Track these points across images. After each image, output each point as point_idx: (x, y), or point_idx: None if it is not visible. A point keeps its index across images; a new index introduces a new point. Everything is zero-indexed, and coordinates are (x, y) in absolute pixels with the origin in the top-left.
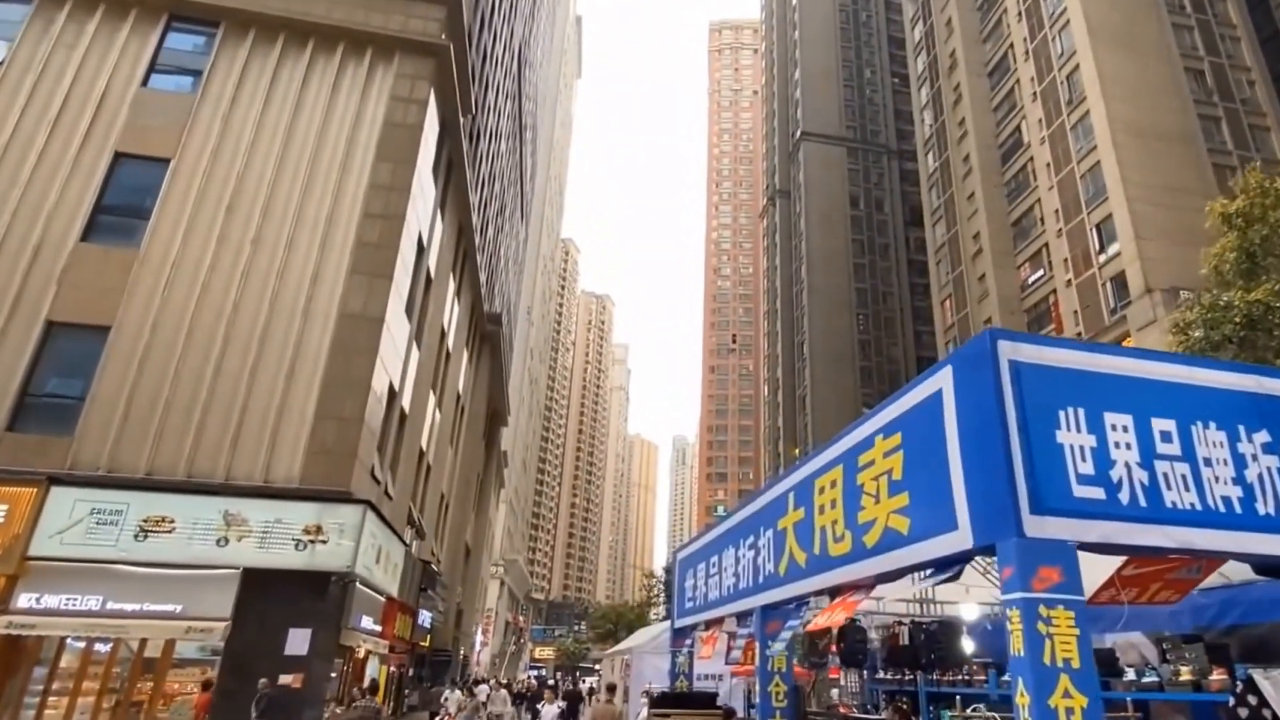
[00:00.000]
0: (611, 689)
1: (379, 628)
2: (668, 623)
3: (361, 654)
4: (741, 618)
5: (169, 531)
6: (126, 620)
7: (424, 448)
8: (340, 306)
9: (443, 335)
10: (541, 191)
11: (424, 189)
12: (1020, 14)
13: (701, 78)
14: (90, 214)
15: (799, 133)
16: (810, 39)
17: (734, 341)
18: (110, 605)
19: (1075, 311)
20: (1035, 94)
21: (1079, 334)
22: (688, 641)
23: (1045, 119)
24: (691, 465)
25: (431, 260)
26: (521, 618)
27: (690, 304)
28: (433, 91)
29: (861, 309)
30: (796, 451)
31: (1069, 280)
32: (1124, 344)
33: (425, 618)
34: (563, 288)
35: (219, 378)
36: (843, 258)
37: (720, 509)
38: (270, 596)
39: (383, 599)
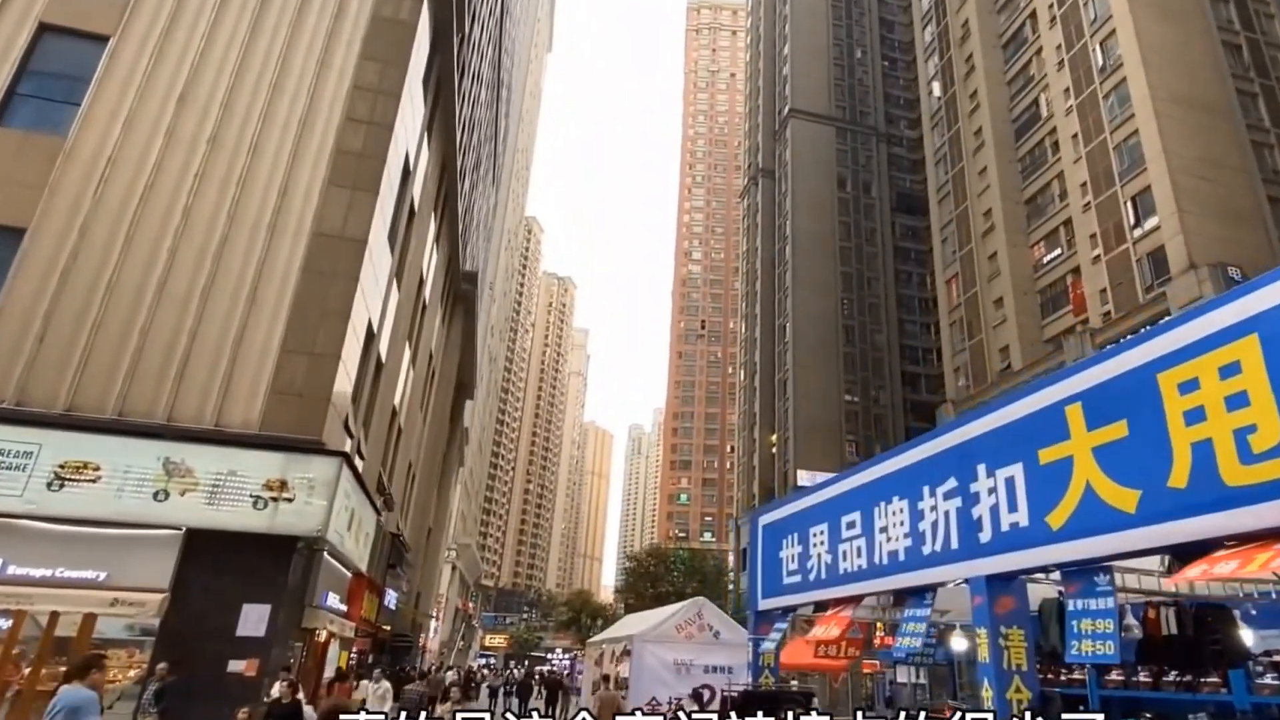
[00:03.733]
0: (605, 680)
1: (345, 607)
2: (674, 607)
3: (323, 637)
4: (900, 596)
5: (93, 481)
6: (32, 589)
7: (396, 407)
8: (315, 222)
9: (421, 282)
10: (509, 162)
11: (414, 100)
12: None
13: (677, 58)
14: (4, 94)
15: (787, 109)
16: (800, 16)
17: (703, 327)
18: (11, 570)
19: (1103, 290)
20: (1062, 62)
21: (1107, 313)
22: (778, 627)
23: (1074, 88)
24: (647, 455)
25: (416, 189)
26: (471, 604)
27: (653, 292)
28: None
29: (846, 293)
30: (774, 439)
31: (1096, 256)
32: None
33: (391, 598)
34: (524, 267)
35: (163, 298)
36: (829, 240)
37: (684, 497)
38: (220, 565)
39: (349, 574)
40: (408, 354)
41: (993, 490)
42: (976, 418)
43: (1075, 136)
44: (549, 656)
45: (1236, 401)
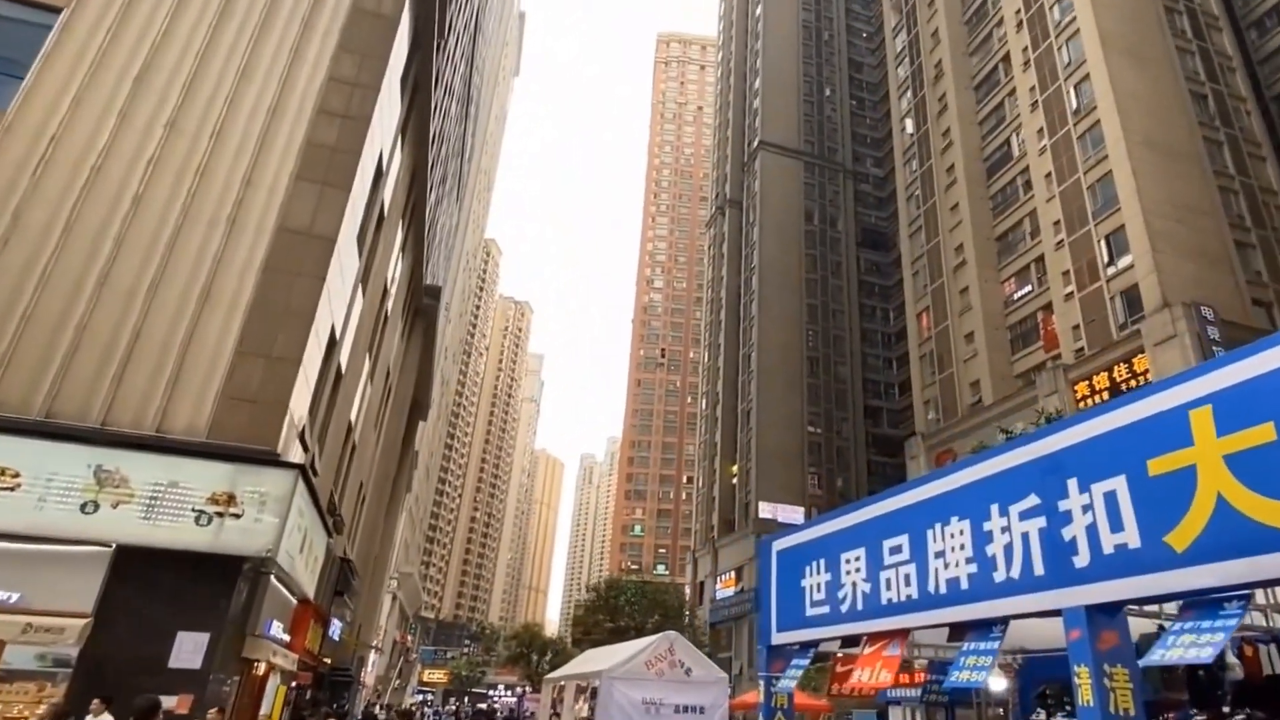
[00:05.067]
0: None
1: (288, 637)
2: (643, 641)
3: (262, 670)
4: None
5: (10, 489)
6: None
7: (352, 422)
8: (280, 217)
9: (385, 291)
10: (472, 182)
11: (391, 98)
12: (1020, 23)
13: (644, 88)
14: None
15: (757, 141)
16: (772, 51)
17: (663, 356)
18: None
19: (1076, 326)
20: (1036, 103)
21: (1080, 349)
22: (796, 664)
23: (1048, 129)
24: (598, 485)
25: (387, 192)
26: (410, 637)
27: (611, 320)
28: None
29: (811, 325)
30: (735, 469)
31: (1069, 293)
32: (1136, 360)
33: (335, 628)
34: (481, 289)
35: (104, 290)
36: (795, 271)
37: (638, 528)
38: (154, 587)
39: (295, 600)
40: (367, 366)
41: (1088, 508)
42: (1061, 429)
43: (1048, 176)
44: (491, 693)
45: None
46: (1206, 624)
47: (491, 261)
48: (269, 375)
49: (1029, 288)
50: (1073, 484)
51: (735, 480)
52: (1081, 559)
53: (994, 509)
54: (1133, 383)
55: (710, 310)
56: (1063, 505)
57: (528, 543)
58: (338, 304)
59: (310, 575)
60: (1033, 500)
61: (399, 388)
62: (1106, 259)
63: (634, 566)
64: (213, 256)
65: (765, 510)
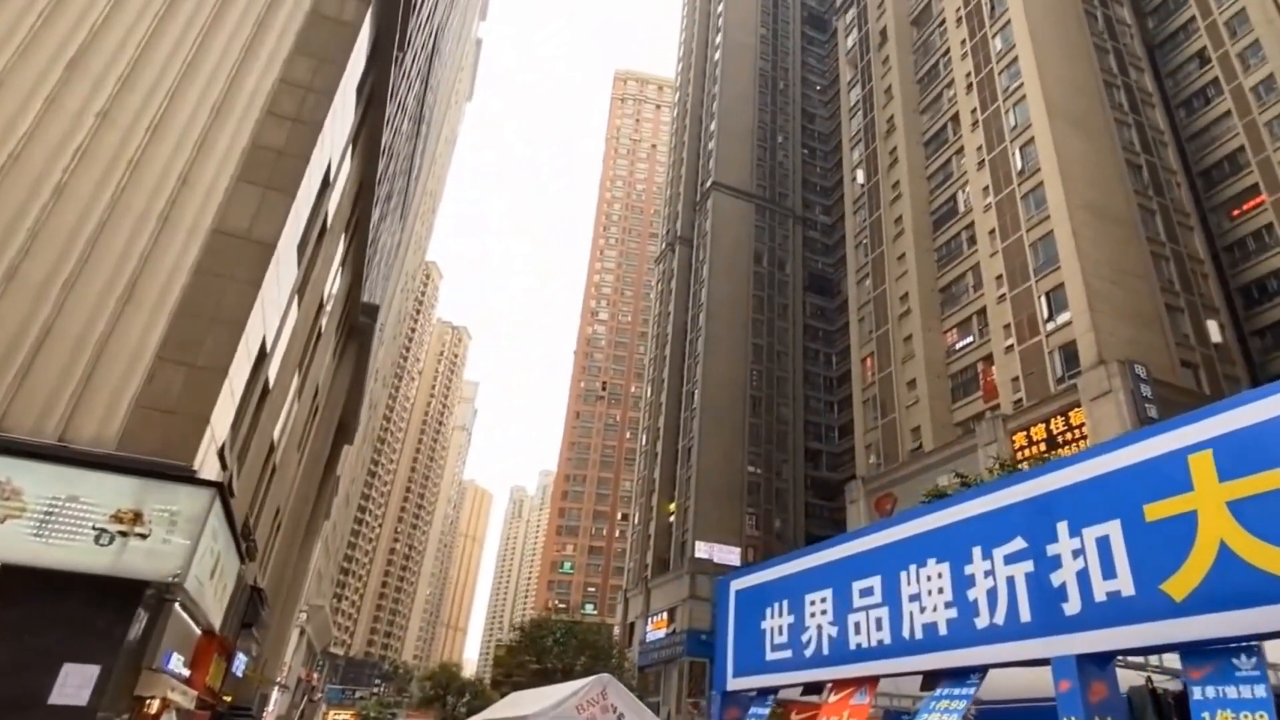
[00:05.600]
0: None
1: (188, 671)
2: (574, 684)
3: (155, 708)
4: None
5: None
6: None
7: (275, 441)
8: (217, 219)
9: (321, 305)
10: (416, 203)
11: (346, 106)
12: (971, 86)
13: (599, 123)
14: None
15: (710, 182)
16: (729, 97)
17: (603, 389)
18: None
19: (1015, 378)
20: (982, 162)
21: (1019, 400)
22: (755, 712)
23: (993, 187)
24: (528, 519)
25: (332, 203)
26: (316, 674)
27: (553, 351)
28: None
29: (756, 364)
30: (673, 507)
31: (1010, 346)
32: (1072, 413)
33: (240, 662)
34: (418, 311)
35: (13, 284)
36: (743, 310)
37: (567, 565)
38: (40, 612)
39: (200, 631)
40: (296, 383)
41: (1079, 552)
42: (1051, 470)
43: (992, 232)
44: None
45: None
46: (1228, 680)
47: (431, 284)
48: (191, 385)
49: (971, 339)
50: (1063, 527)
51: (672, 518)
52: (1072, 606)
53: (976, 551)
54: (1069, 435)
55: (655, 345)
56: (1051, 549)
57: (449, 578)
58: (271, 314)
59: (218, 604)
60: (1019, 543)
61: (326, 408)
62: (1046, 315)
63: (561, 605)
64: (139, 254)
65: (702, 550)
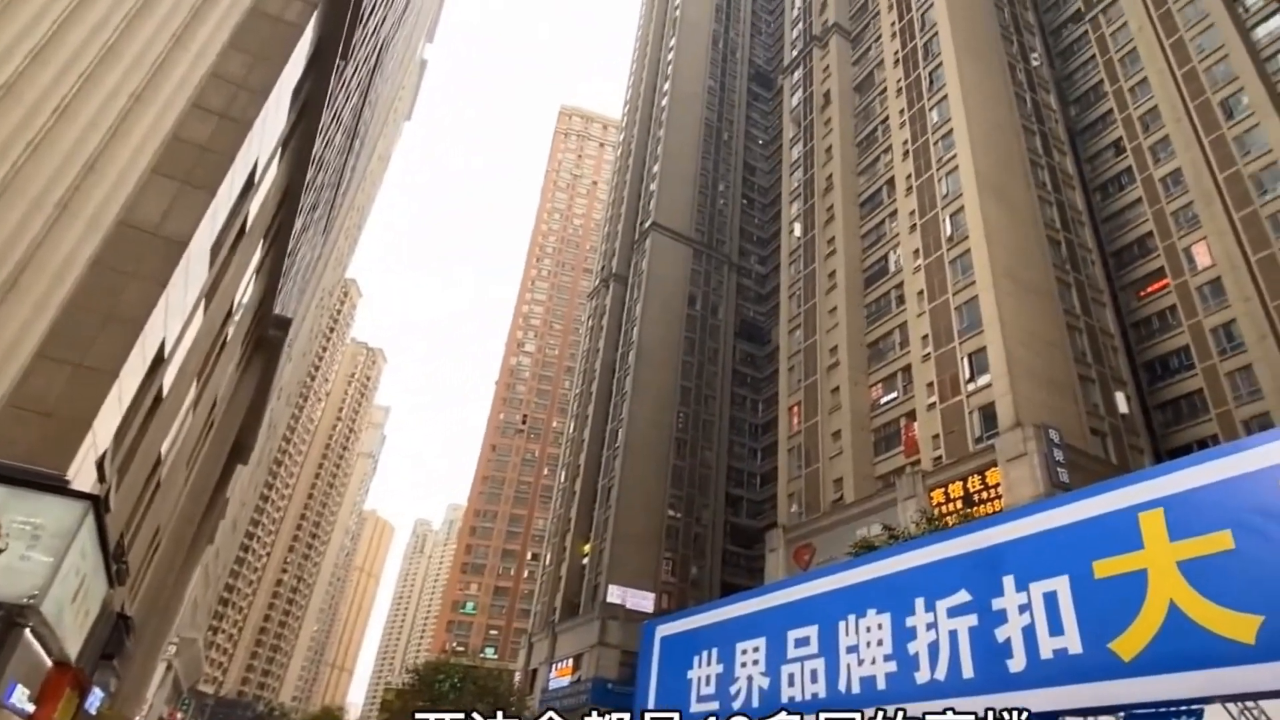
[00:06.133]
0: None
1: (33, 707)
2: None
3: None
4: None
5: None
6: None
7: (162, 455)
8: (125, 211)
9: (230, 313)
10: (342, 217)
11: (279, 109)
12: (907, 153)
13: (539, 156)
14: None
15: (650, 222)
16: (673, 142)
17: (524, 422)
18: None
19: (936, 435)
20: (915, 226)
21: (938, 458)
22: None
23: (923, 250)
24: (430, 555)
25: (253, 206)
26: (181, 714)
27: (472, 381)
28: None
29: (683, 407)
30: (588, 548)
31: (932, 404)
32: (989, 473)
33: (95, 698)
34: (332, 330)
35: None
36: (673, 352)
37: (470, 606)
38: None
39: (51, 662)
40: (192, 394)
41: (1025, 607)
42: (999, 522)
43: (921, 293)
44: None
45: None
46: None
47: (349, 302)
48: (74, 386)
49: (895, 394)
50: (1009, 581)
51: (586, 560)
52: (1016, 663)
53: (919, 603)
54: (985, 495)
55: (582, 380)
56: (997, 604)
57: (339, 614)
58: (174, 317)
59: (78, 631)
60: (963, 596)
61: (223, 424)
62: (968, 375)
63: (460, 648)
64: (30, 241)
65: (615, 594)
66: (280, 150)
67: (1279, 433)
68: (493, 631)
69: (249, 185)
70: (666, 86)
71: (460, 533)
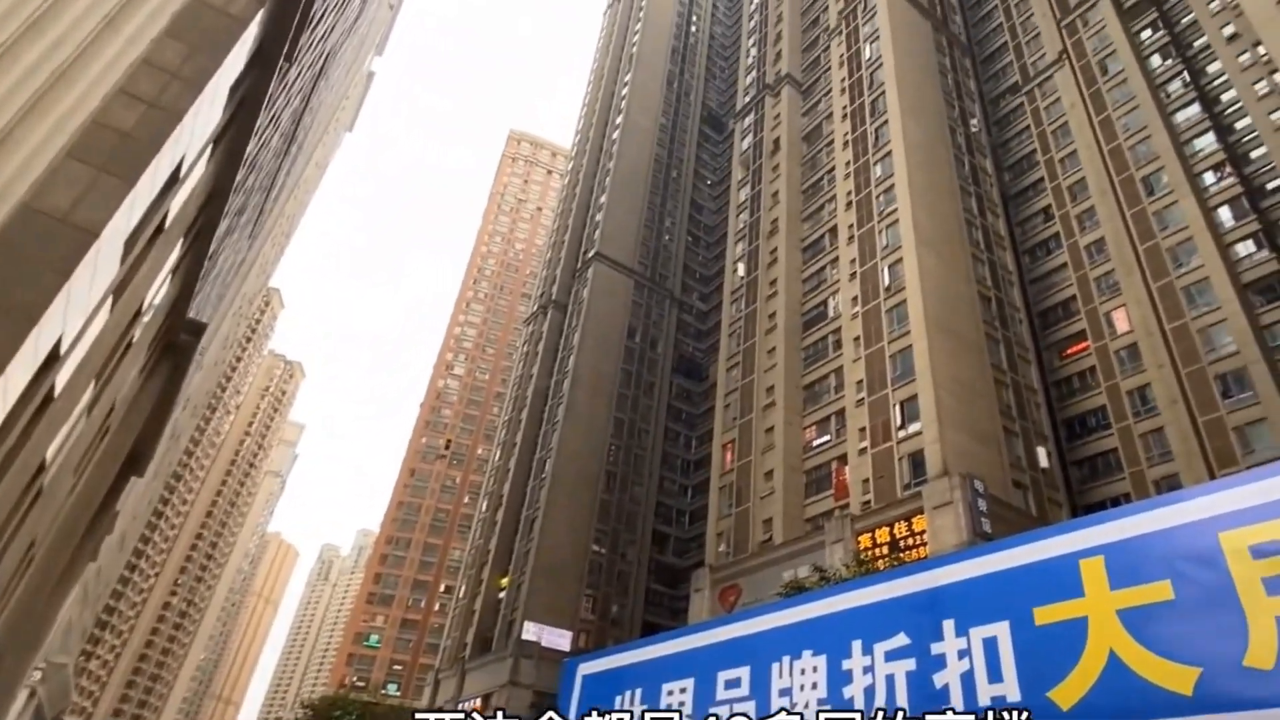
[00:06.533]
0: None
1: None
2: None
3: None
4: None
5: None
6: None
7: (47, 461)
8: (31, 194)
9: (139, 313)
10: (271, 223)
11: (214, 104)
12: (850, 204)
13: (483, 179)
14: None
15: (594, 251)
16: (622, 174)
17: (447, 447)
18: None
19: (866, 480)
20: (854, 274)
21: (867, 502)
22: None
23: (861, 298)
24: (336, 583)
25: (176, 202)
26: None
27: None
28: None
29: (616, 439)
30: (505, 581)
31: (863, 449)
32: (915, 519)
33: None
34: (249, 339)
35: None
36: (609, 383)
37: (374, 638)
38: None
39: None
40: (88, 396)
41: (965, 653)
42: (940, 565)
43: (857, 339)
44: None
45: None
46: None
47: (270, 312)
48: None
49: (828, 438)
50: (949, 626)
51: (503, 594)
52: (955, 710)
53: (856, 645)
54: (911, 541)
55: (512, 407)
56: (936, 648)
57: (231, 642)
58: (76, 312)
59: None
60: (902, 639)
61: (120, 431)
62: (899, 422)
63: (360, 683)
64: None
65: (530, 631)
66: (211, 147)
67: (1219, 485)
68: (397, 666)
69: (173, 180)
70: (619, 120)
71: (370, 560)
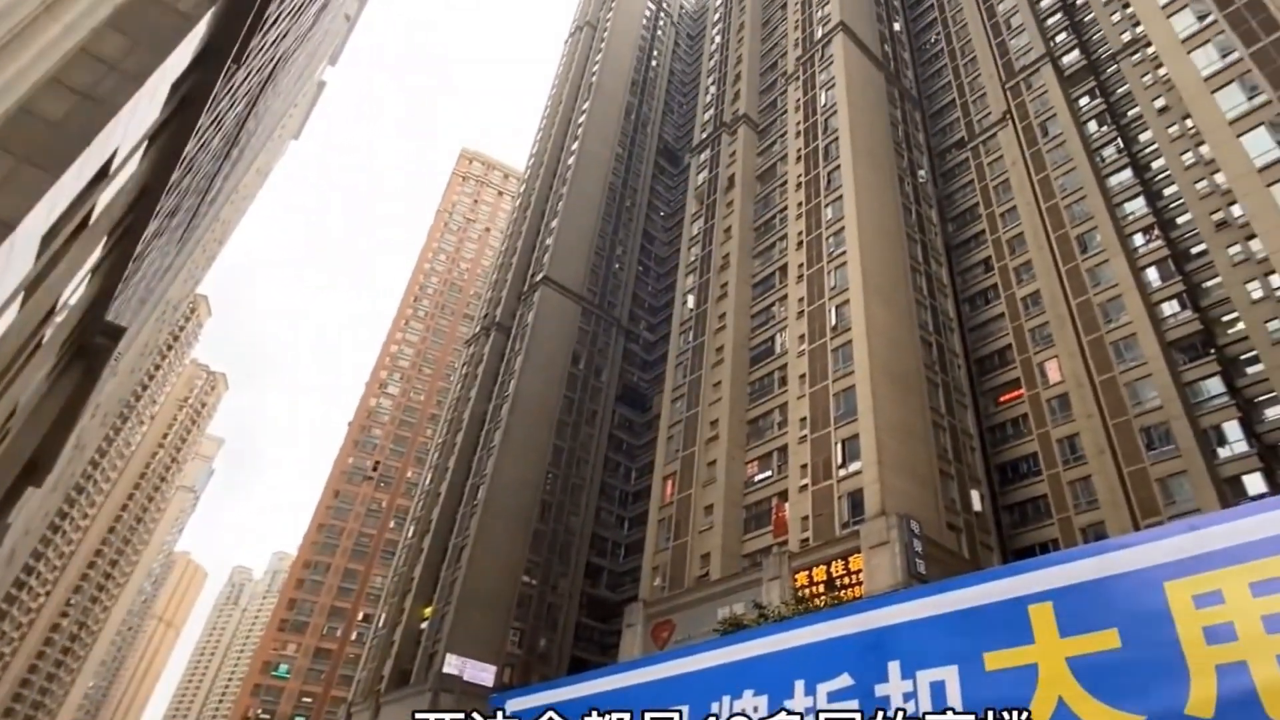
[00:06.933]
0: None
1: None
2: None
3: None
4: None
5: None
6: None
7: None
8: None
9: (51, 313)
10: (205, 226)
11: (154, 99)
12: (801, 244)
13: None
14: None
15: (542, 275)
16: (575, 199)
17: (375, 469)
18: None
19: (805, 517)
20: (802, 312)
21: (806, 540)
22: None
23: (808, 336)
24: (247, 608)
25: (103, 198)
26: None
27: (323, 422)
28: None
29: (554, 468)
30: (429, 611)
31: (804, 486)
32: (852, 558)
33: None
34: (171, 347)
35: None
36: (550, 409)
37: (284, 668)
38: None
39: None
40: None
41: (910, 695)
42: (887, 603)
43: (803, 376)
44: None
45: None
46: None
47: (196, 319)
48: None
49: (770, 473)
50: (894, 668)
51: (425, 624)
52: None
53: (799, 685)
54: (846, 580)
55: (447, 430)
56: (881, 690)
57: (125, 668)
58: None
59: None
60: (845, 680)
61: (20, 437)
62: (840, 461)
63: (265, 715)
64: None
65: (452, 664)
66: (147, 143)
67: (1164, 531)
68: (306, 699)
69: (103, 174)
70: (575, 146)
71: (285, 585)
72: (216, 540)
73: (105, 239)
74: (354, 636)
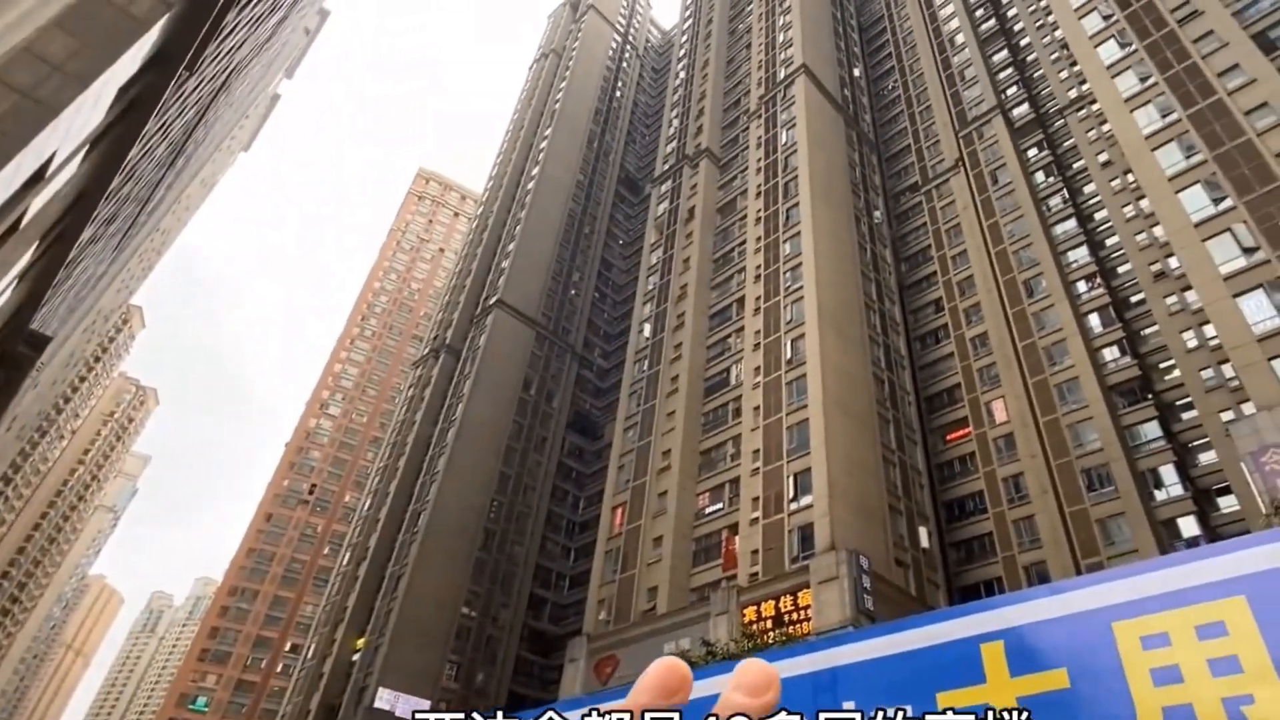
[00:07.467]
0: None
1: None
2: None
3: None
4: None
5: None
6: None
7: None
8: None
9: None
10: (143, 235)
11: (98, 103)
12: (759, 277)
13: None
14: None
15: (495, 298)
16: (533, 223)
17: (311, 492)
18: None
19: (755, 551)
20: (758, 345)
21: (755, 574)
22: None
23: (764, 369)
24: (164, 636)
25: (37, 201)
26: None
27: (258, 441)
28: (180, 4)
29: (499, 495)
30: (361, 643)
31: (755, 519)
32: (801, 593)
33: None
34: (99, 359)
35: None
36: (499, 435)
37: (202, 701)
38: None
39: None
40: None
41: None
42: (841, 643)
43: (757, 409)
44: None
45: (1225, 667)
46: None
47: (127, 331)
48: None
49: (721, 505)
50: (849, 708)
51: (357, 656)
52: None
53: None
54: (795, 615)
55: (389, 454)
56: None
57: (26, 700)
58: None
59: None
60: None
61: None
62: (791, 494)
63: None
64: None
65: (384, 699)
66: (88, 148)
67: (1112, 574)
68: None
69: (37, 177)
70: (535, 170)
71: (208, 612)
72: (136, 564)
73: (36, 243)
74: (280, 668)
